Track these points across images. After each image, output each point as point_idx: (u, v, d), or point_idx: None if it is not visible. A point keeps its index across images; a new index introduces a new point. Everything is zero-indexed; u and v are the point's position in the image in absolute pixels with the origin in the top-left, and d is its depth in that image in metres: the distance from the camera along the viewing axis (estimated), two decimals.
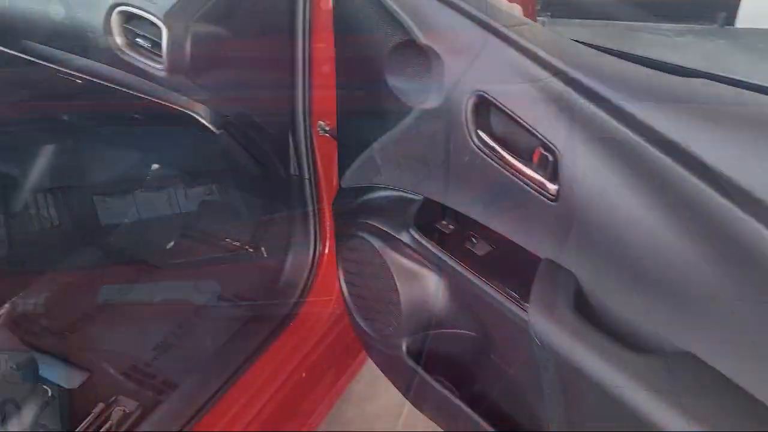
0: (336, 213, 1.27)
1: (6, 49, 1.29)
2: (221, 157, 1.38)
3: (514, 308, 0.91)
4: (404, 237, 1.06)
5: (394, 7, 0.94)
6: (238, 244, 1.82)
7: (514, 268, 0.94)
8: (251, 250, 1.80)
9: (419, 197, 1.08)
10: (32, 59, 1.28)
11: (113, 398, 1.36)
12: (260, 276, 1.70)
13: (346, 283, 1.24)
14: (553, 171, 0.82)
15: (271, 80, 1.27)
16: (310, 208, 1.43)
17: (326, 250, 1.47)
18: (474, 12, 0.88)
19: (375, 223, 1.11)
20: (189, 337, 1.57)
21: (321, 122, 1.33)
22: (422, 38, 0.91)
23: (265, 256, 1.77)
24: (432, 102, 0.94)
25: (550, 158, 0.82)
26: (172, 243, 1.86)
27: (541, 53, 0.82)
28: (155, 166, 1.93)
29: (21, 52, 1.29)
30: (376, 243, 1.11)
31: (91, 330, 1.59)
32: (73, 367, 1.44)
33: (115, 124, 1.57)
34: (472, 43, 0.89)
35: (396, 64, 0.99)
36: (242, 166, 1.39)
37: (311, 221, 1.45)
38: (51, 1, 1.17)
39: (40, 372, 1.12)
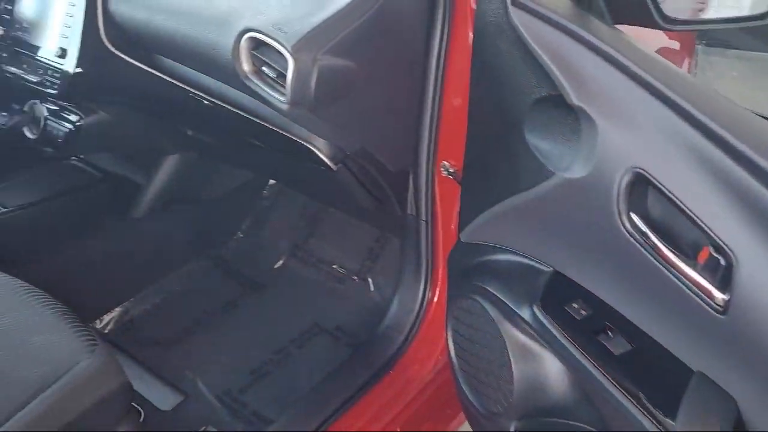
0: (451, 267, 1.17)
1: (136, 62, 1.29)
2: (337, 188, 1.31)
3: (651, 426, 0.77)
4: (525, 313, 0.94)
5: (544, 56, 0.82)
6: (344, 272, 1.76)
7: (657, 376, 0.80)
8: (358, 280, 1.73)
9: (548, 269, 0.95)
10: (160, 75, 1.28)
11: (203, 428, 1.33)
12: (365, 312, 1.63)
13: (455, 344, 1.13)
14: (724, 277, 0.67)
15: (397, 117, 1.19)
16: (424, 252, 1.33)
17: (435, 298, 1.37)
18: (639, 72, 0.74)
19: (493, 290, 0.99)
20: (285, 367, 1.53)
21: (445, 162, 1.23)
22: (574, 98, 0.79)
23: (372, 290, 1.70)
24: (578, 171, 0.81)
25: (722, 261, 0.67)
26: (280, 262, 1.83)
27: (721, 131, 0.67)
28: (272, 181, 1.91)
29: (150, 67, 1.29)
30: (493, 312, 0.99)
31: (191, 345, 1.58)
32: (168, 387, 1.43)
33: (234, 146, 1.55)
34: (633, 108, 0.75)
35: (539, 120, 0.87)
36: (358, 199, 1.32)
37: (423, 265, 1.35)
38: (183, 20, 1.15)
39: (136, 387, 1.09)
